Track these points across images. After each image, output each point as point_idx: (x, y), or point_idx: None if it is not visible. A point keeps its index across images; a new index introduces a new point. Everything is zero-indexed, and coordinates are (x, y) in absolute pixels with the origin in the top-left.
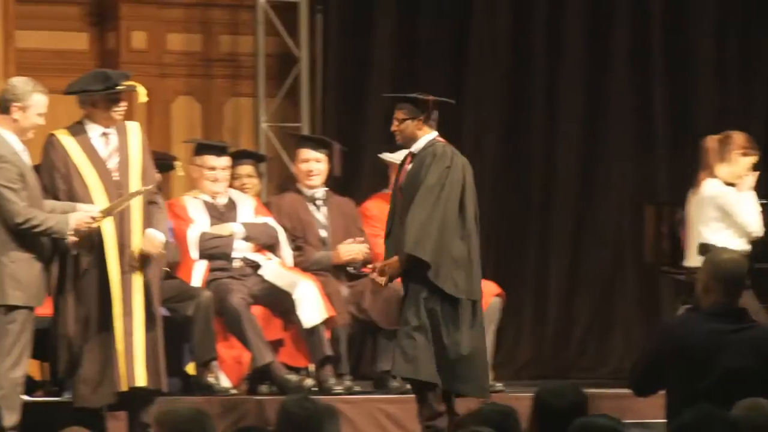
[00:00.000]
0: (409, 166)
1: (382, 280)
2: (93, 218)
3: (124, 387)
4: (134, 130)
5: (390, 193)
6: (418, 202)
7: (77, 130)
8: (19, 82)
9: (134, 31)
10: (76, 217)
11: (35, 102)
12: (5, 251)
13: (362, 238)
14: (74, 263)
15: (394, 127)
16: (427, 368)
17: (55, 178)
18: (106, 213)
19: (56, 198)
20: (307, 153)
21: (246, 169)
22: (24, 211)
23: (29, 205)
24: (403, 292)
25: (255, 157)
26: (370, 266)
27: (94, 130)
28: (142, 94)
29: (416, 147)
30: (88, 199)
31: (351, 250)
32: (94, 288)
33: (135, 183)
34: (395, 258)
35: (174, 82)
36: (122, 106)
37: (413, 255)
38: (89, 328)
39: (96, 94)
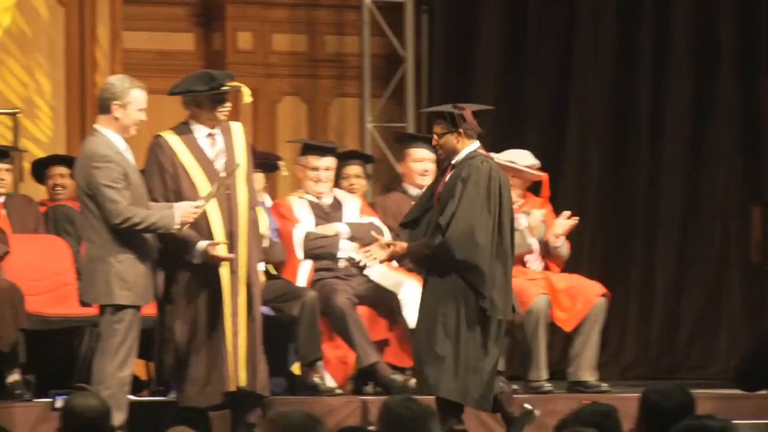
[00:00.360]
0: (447, 177)
1: (378, 256)
2: (197, 207)
3: (231, 387)
4: (238, 130)
5: None
6: (461, 231)
7: (183, 130)
8: (116, 80)
9: (240, 31)
10: (182, 209)
11: (134, 98)
12: (112, 251)
13: None
14: (182, 263)
15: (434, 142)
16: (449, 386)
17: (164, 178)
18: (207, 200)
19: (166, 199)
20: (422, 152)
21: (355, 169)
22: (124, 211)
23: (133, 204)
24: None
25: (364, 158)
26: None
27: (199, 131)
28: (246, 95)
29: (456, 159)
30: (196, 200)
31: None
32: (204, 288)
33: (241, 183)
34: (405, 244)
35: (280, 83)
36: (227, 106)
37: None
38: (197, 328)
39: (201, 95)
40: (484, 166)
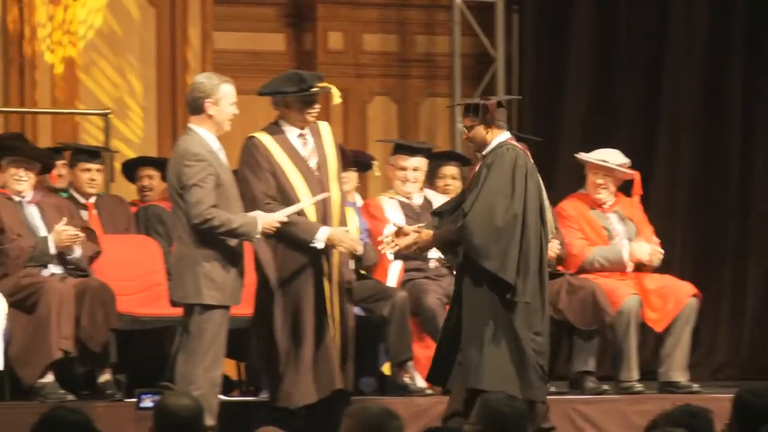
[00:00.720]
0: (477, 168)
1: (400, 243)
2: (280, 222)
3: (330, 388)
4: (326, 130)
5: (587, 193)
6: (484, 207)
7: (275, 130)
8: (204, 78)
9: (331, 31)
10: (265, 219)
11: (225, 93)
12: (202, 250)
13: (551, 236)
14: (281, 264)
15: (464, 135)
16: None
17: (266, 177)
18: (289, 214)
19: (272, 198)
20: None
21: (451, 170)
22: (206, 212)
23: (223, 205)
24: (459, 297)
25: (461, 160)
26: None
27: (291, 131)
28: (336, 96)
29: (486, 150)
30: (294, 199)
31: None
32: (303, 288)
33: (333, 183)
34: (430, 232)
35: (370, 83)
36: (316, 108)
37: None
38: (294, 329)
39: (289, 96)
40: (509, 153)
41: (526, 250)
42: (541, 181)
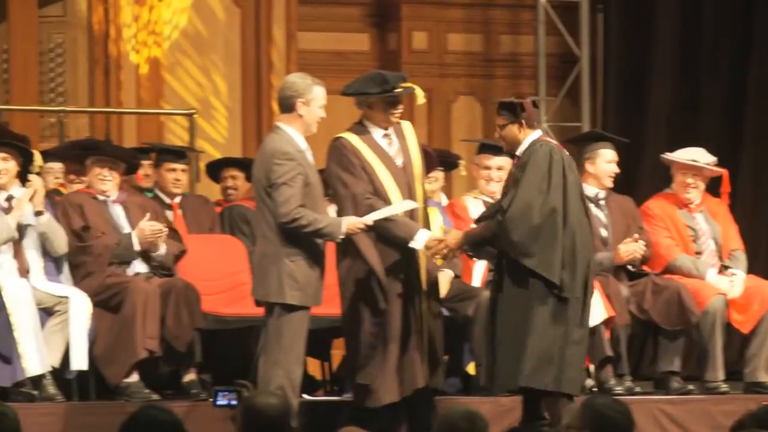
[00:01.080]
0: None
1: (444, 255)
2: (366, 225)
3: (412, 387)
4: (409, 130)
5: (673, 193)
6: (520, 204)
7: (361, 131)
8: (298, 78)
9: (415, 31)
10: (350, 222)
11: (316, 94)
12: (286, 250)
13: (637, 236)
14: (365, 264)
15: (496, 135)
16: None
17: (362, 174)
18: (373, 219)
19: (371, 193)
20: (612, 154)
21: None
22: (293, 211)
23: (309, 205)
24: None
25: None
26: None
27: (376, 132)
28: (420, 97)
29: (520, 150)
30: (385, 198)
31: (629, 249)
32: (392, 287)
33: (417, 184)
34: (459, 234)
35: (454, 82)
36: (399, 109)
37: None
38: (381, 327)
39: (372, 97)
40: (543, 149)
41: (571, 242)
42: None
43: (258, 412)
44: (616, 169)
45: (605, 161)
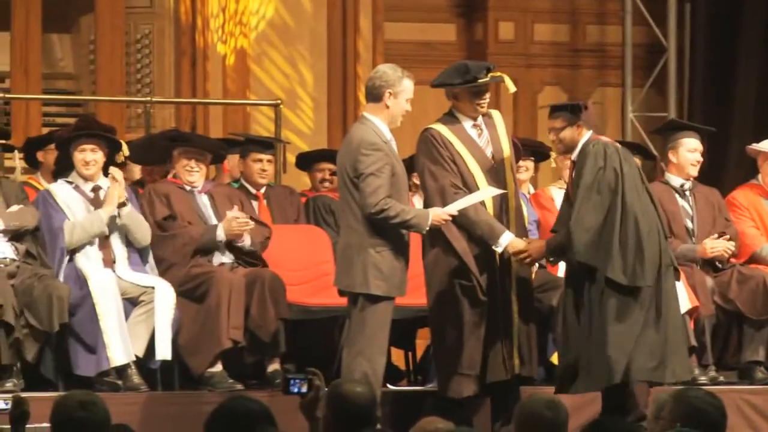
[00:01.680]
0: (574, 173)
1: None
2: (451, 215)
3: (498, 378)
4: (499, 119)
5: (759, 184)
6: (579, 207)
7: (450, 121)
8: (389, 69)
9: (502, 21)
10: (435, 213)
11: (405, 87)
12: (371, 240)
13: (728, 235)
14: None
15: (552, 137)
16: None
17: (451, 167)
18: (457, 208)
19: (459, 186)
20: (694, 142)
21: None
22: (382, 202)
23: (395, 195)
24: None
25: (639, 151)
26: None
27: (466, 122)
28: (510, 86)
29: (575, 153)
30: (475, 189)
31: (717, 246)
32: (478, 281)
33: (508, 173)
34: (543, 243)
35: (540, 73)
36: (485, 98)
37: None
38: (468, 319)
39: (457, 88)
40: (595, 149)
41: (635, 233)
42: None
43: (345, 400)
44: (698, 158)
45: (687, 150)
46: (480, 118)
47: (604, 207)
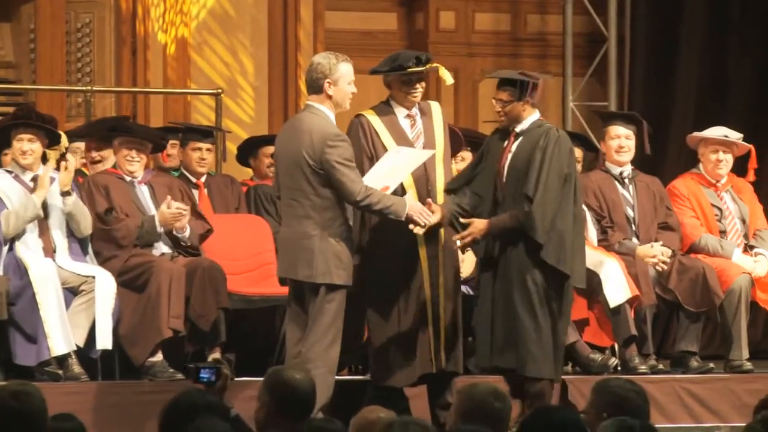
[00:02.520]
0: (514, 146)
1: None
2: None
3: (433, 369)
4: (437, 110)
5: (700, 173)
6: (544, 193)
7: (384, 110)
8: (322, 59)
9: (442, 11)
10: (413, 204)
11: (342, 72)
12: (331, 230)
13: (660, 242)
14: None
15: (498, 109)
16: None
17: (362, 158)
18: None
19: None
20: (617, 129)
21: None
22: (364, 190)
23: None
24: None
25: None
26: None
27: (400, 111)
28: (447, 78)
29: (521, 127)
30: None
31: (649, 253)
32: (404, 270)
33: (439, 165)
34: (485, 223)
35: (481, 62)
36: (416, 88)
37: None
38: (398, 310)
39: (389, 76)
40: (562, 136)
41: (579, 234)
42: None
43: (287, 387)
44: (622, 144)
45: (609, 138)
46: (415, 109)
47: (566, 202)
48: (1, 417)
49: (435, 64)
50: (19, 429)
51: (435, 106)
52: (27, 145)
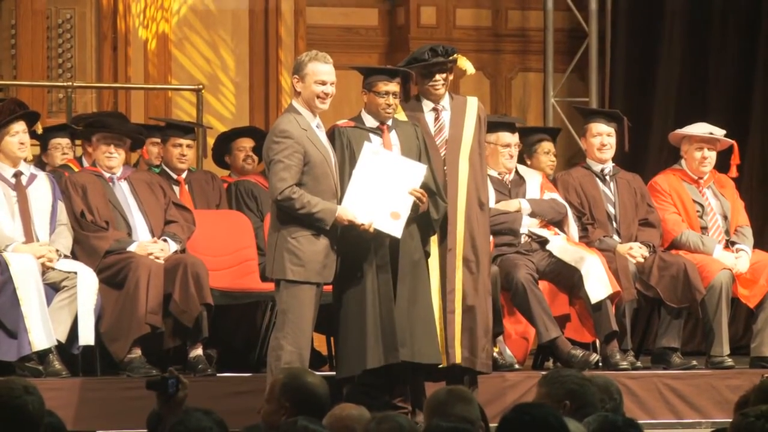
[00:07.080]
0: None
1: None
2: (363, 225)
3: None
4: (472, 106)
5: (682, 169)
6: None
7: (412, 105)
8: (300, 56)
9: (423, 6)
10: (341, 212)
11: (310, 70)
12: (287, 226)
13: (639, 244)
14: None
15: (391, 101)
16: None
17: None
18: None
19: None
20: (598, 127)
21: (548, 146)
22: (287, 190)
23: (310, 184)
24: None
25: (549, 132)
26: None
27: (426, 105)
28: (468, 68)
29: (393, 120)
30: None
31: (627, 252)
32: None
33: (463, 161)
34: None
35: None
36: (436, 80)
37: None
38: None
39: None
40: (418, 129)
41: None
42: None
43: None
44: (603, 141)
45: (590, 135)
46: (444, 102)
47: None
48: (14, 409)
49: (457, 55)
50: (23, 422)
51: (471, 102)
52: (24, 137)
